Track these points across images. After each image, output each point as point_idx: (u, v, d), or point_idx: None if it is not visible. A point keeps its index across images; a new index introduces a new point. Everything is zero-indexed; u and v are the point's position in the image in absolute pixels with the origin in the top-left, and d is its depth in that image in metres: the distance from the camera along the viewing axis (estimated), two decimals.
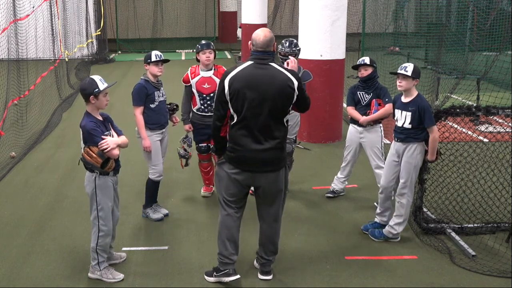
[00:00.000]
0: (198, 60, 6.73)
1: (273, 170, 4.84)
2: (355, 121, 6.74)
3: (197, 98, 6.69)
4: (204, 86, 6.64)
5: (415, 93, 5.67)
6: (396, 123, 5.78)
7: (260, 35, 4.77)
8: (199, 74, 6.68)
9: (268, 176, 4.84)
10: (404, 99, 5.70)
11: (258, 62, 4.75)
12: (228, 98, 4.71)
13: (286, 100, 4.74)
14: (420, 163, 5.72)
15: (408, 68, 5.59)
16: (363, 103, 6.58)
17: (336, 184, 7.11)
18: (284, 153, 4.93)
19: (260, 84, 4.66)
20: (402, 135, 5.71)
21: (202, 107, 6.69)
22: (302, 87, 4.81)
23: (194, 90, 6.69)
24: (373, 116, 6.48)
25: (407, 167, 5.69)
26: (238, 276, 5.03)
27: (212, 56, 6.63)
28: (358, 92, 6.64)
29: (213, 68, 6.69)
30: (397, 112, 5.76)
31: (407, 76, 5.56)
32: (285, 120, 4.83)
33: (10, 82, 9.69)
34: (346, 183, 7.12)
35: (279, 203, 5.01)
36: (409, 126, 5.62)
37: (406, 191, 5.72)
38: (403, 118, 5.66)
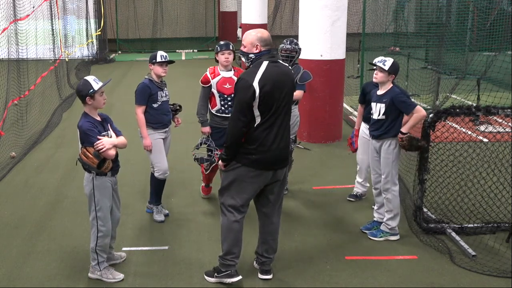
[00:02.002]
0: (217, 61, 6.62)
1: (288, 164, 5.05)
2: (365, 119, 6.69)
3: (218, 99, 6.53)
4: (226, 87, 6.50)
5: (389, 85, 5.78)
6: (372, 116, 5.87)
7: (264, 33, 4.85)
8: (219, 74, 6.54)
9: (283, 171, 4.98)
10: (379, 92, 5.82)
11: (272, 60, 4.80)
12: (257, 101, 4.66)
13: (293, 93, 4.96)
14: (398, 157, 5.81)
15: (387, 62, 5.73)
16: None
17: (359, 188, 7.03)
18: None
19: (282, 81, 4.76)
20: (376, 131, 5.82)
21: (223, 108, 6.54)
22: None
23: (215, 91, 6.53)
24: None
25: (385, 163, 5.79)
26: (240, 277, 5.04)
27: (231, 57, 6.50)
28: (371, 91, 6.58)
29: (232, 69, 6.58)
30: (373, 105, 5.86)
31: (384, 70, 5.68)
32: None
33: (10, 82, 9.69)
34: (368, 184, 6.99)
35: (282, 197, 5.16)
36: (383, 117, 5.74)
37: (389, 186, 5.80)
38: (378, 111, 5.77)
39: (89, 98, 4.88)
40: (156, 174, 6.36)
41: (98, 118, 5.00)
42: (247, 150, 4.77)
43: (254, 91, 4.62)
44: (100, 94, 4.93)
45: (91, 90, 4.86)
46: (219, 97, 6.54)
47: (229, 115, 6.44)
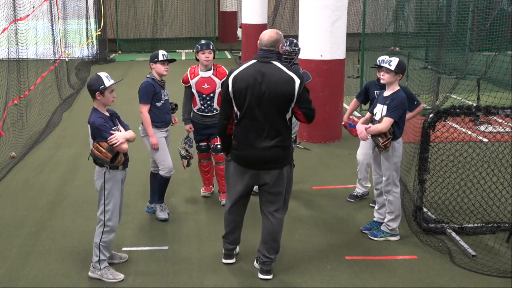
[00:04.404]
0: (197, 60, 6.72)
1: (276, 168, 4.95)
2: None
3: (197, 99, 6.66)
4: (204, 87, 6.61)
5: (396, 88, 5.74)
6: (374, 117, 5.84)
7: (266, 34, 4.92)
8: (198, 74, 6.65)
9: (272, 174, 4.94)
10: (385, 93, 5.79)
11: (261, 60, 4.85)
12: (232, 96, 4.83)
13: (287, 98, 4.79)
14: (399, 158, 5.80)
15: (393, 62, 5.67)
16: None
17: (359, 188, 6.99)
18: (288, 152, 5.01)
19: (261, 82, 4.75)
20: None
21: (202, 107, 6.67)
22: (306, 89, 4.84)
23: (194, 91, 6.66)
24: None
25: (386, 165, 5.77)
26: (230, 261, 5.36)
27: (211, 56, 6.59)
28: (375, 91, 6.58)
29: (212, 68, 6.66)
30: (378, 106, 5.82)
31: (390, 70, 5.64)
32: (287, 118, 4.90)
33: (10, 82, 9.68)
34: (369, 185, 7.00)
35: (281, 200, 5.07)
36: None
37: (390, 188, 5.79)
38: (380, 112, 5.73)
39: (98, 94, 4.94)
40: (161, 173, 6.38)
41: (107, 114, 5.05)
42: (233, 145, 5.01)
43: (228, 86, 4.85)
44: (110, 92, 5.00)
45: (102, 86, 4.92)
46: (198, 97, 6.67)
47: (209, 114, 6.66)
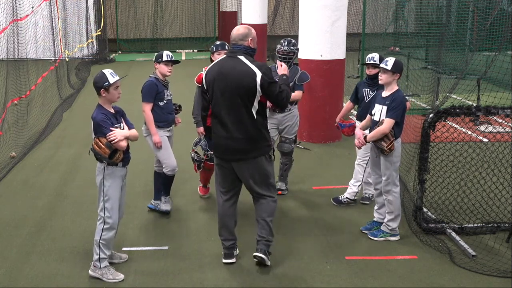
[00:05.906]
0: (212, 61, 6.65)
1: (243, 159, 5.08)
2: (359, 117, 6.67)
3: None
4: None
5: (395, 88, 5.73)
6: (372, 117, 5.83)
7: (235, 29, 5.13)
8: None
9: (239, 164, 5.09)
10: (384, 93, 5.78)
11: (228, 55, 5.10)
12: (206, 89, 5.15)
13: (248, 91, 4.93)
14: (398, 158, 5.79)
15: (389, 62, 5.65)
16: (367, 99, 6.54)
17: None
18: (257, 144, 5.07)
19: (225, 75, 4.97)
20: None
21: None
22: (269, 81, 4.91)
23: None
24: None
25: (386, 165, 5.77)
26: (230, 261, 5.33)
27: None
28: (363, 89, 6.60)
29: None
30: (377, 106, 5.80)
31: (387, 70, 5.62)
32: (254, 112, 4.99)
33: (10, 82, 9.69)
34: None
35: (259, 189, 5.18)
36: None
37: (390, 188, 5.79)
38: (379, 112, 5.72)
39: (103, 91, 4.97)
40: (165, 171, 6.41)
41: (112, 111, 5.08)
42: (212, 137, 5.27)
43: (202, 79, 5.17)
44: (115, 88, 5.02)
45: (106, 83, 4.95)
46: None
47: None
